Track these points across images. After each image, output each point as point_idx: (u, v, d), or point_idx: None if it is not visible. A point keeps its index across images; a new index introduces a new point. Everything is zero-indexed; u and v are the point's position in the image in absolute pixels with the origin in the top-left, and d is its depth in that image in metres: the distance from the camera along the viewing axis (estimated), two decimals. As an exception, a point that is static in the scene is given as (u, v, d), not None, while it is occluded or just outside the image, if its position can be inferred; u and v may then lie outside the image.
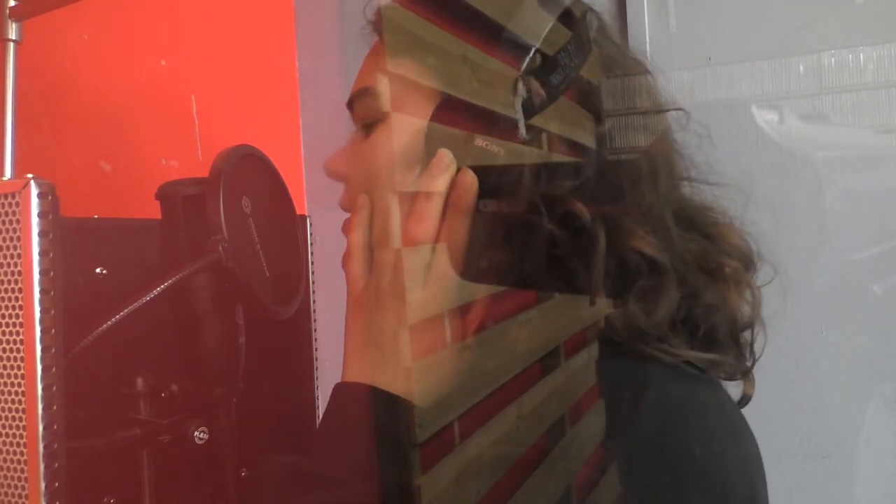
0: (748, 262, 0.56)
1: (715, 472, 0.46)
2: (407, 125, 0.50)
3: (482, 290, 0.49)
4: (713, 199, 0.57)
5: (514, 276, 0.50)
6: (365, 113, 0.54)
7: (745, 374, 0.56)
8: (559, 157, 0.50)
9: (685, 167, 0.57)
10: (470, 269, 0.48)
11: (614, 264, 0.49)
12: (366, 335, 0.49)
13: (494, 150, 0.48)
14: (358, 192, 0.53)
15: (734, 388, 0.56)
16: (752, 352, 0.56)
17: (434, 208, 0.47)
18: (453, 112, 0.49)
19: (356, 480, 0.45)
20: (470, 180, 0.48)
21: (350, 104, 0.55)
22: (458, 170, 0.48)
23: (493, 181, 0.48)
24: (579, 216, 0.48)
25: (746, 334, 0.55)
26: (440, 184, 0.47)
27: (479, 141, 0.48)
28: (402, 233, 0.48)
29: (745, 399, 0.56)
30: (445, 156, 0.48)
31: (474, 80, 0.49)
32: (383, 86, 0.52)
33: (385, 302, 0.48)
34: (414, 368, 0.46)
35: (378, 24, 0.54)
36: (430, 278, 0.47)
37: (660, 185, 0.52)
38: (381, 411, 0.46)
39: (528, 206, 0.48)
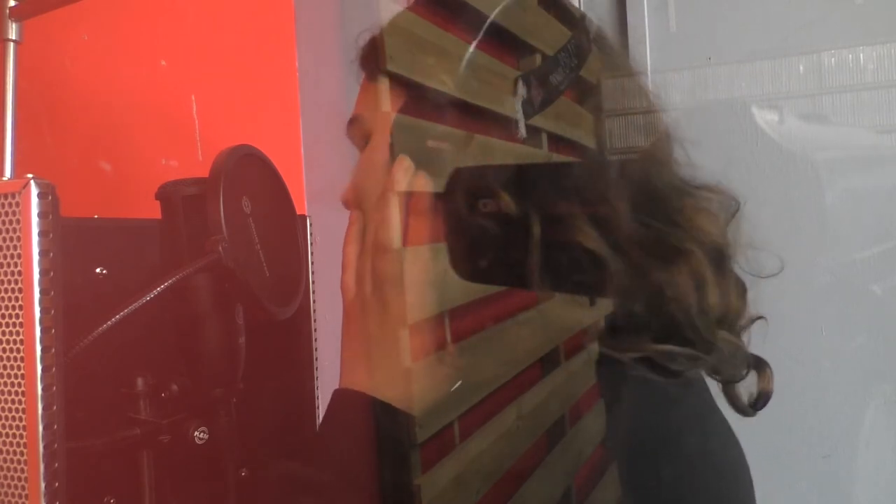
0: (715, 250, 0.51)
1: (669, 489, 0.46)
2: (385, 151, 0.53)
3: (458, 291, 0.50)
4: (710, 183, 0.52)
5: (477, 275, 0.50)
6: (355, 139, 0.58)
7: (760, 369, 0.52)
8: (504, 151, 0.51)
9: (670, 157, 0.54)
10: (440, 269, 0.49)
11: (562, 257, 0.47)
12: (355, 343, 0.52)
13: (444, 147, 0.49)
14: (354, 206, 0.56)
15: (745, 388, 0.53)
16: (738, 345, 0.51)
17: (396, 212, 0.49)
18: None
19: (345, 486, 0.48)
20: (422, 182, 0.50)
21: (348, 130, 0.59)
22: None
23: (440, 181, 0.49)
24: (507, 209, 0.48)
25: (729, 328, 0.50)
26: (399, 187, 0.49)
27: (431, 143, 0.49)
28: (374, 242, 0.50)
29: (762, 397, 0.52)
30: (404, 160, 0.50)
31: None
32: (366, 116, 0.56)
33: (368, 311, 0.50)
34: (398, 374, 0.48)
35: (364, 59, 0.57)
36: (406, 284, 0.49)
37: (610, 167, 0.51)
38: (371, 416, 0.48)
39: (467, 205, 0.49)
